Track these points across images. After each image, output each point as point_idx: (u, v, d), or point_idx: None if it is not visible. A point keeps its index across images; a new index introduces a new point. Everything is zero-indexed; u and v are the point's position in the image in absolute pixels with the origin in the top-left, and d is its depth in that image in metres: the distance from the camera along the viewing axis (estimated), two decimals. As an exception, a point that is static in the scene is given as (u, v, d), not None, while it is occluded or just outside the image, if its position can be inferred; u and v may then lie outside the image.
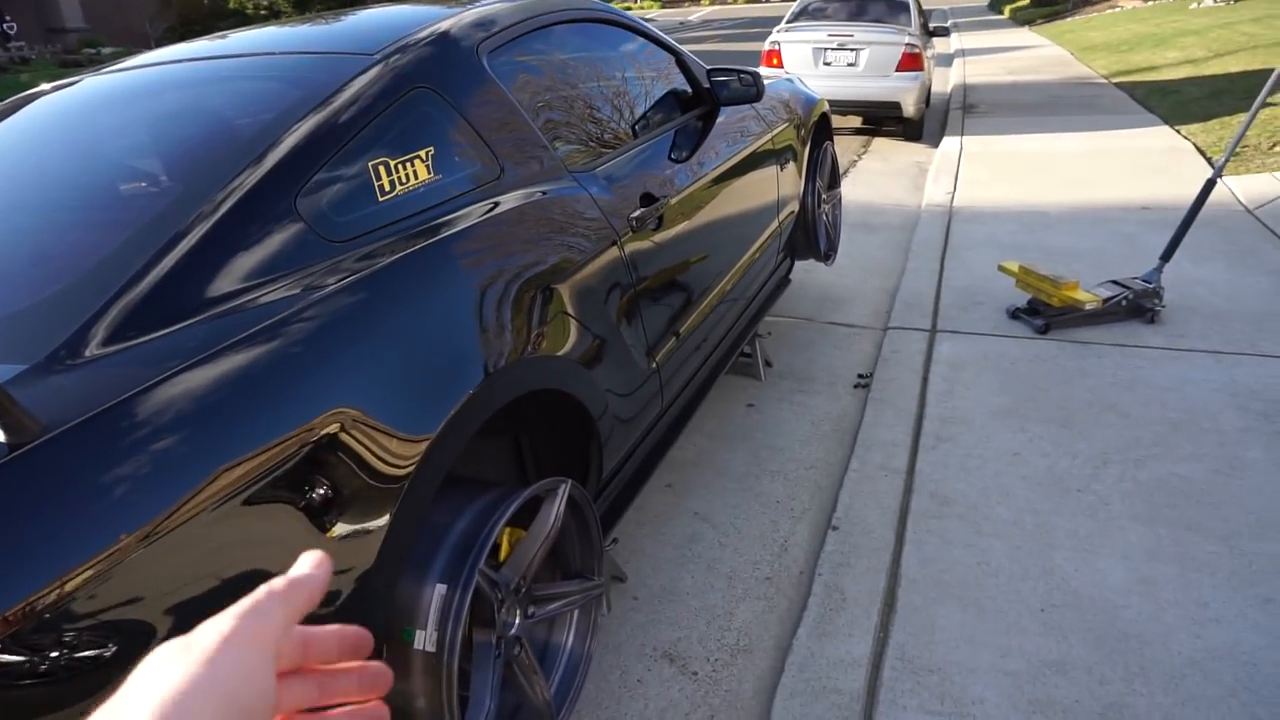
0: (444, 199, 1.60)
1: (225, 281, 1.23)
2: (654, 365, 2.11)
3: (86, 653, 0.91)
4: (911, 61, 7.72)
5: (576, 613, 1.85)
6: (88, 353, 1.06)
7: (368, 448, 1.21)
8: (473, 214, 1.60)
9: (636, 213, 2.01)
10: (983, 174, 6.55)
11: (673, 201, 2.19)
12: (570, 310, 1.72)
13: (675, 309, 2.24)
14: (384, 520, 1.23)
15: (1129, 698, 1.87)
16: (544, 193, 1.79)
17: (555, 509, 1.63)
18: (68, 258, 1.26)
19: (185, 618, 0.99)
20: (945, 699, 1.90)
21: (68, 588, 0.89)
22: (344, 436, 1.18)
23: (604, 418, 1.85)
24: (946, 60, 14.95)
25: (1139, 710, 1.84)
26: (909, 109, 7.86)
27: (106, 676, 0.93)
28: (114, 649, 0.93)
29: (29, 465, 0.91)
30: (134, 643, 0.95)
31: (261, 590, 0.45)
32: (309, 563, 0.48)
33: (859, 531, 2.49)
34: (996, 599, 2.18)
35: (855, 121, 9.17)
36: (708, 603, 2.29)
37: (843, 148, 8.12)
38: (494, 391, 1.45)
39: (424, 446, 1.29)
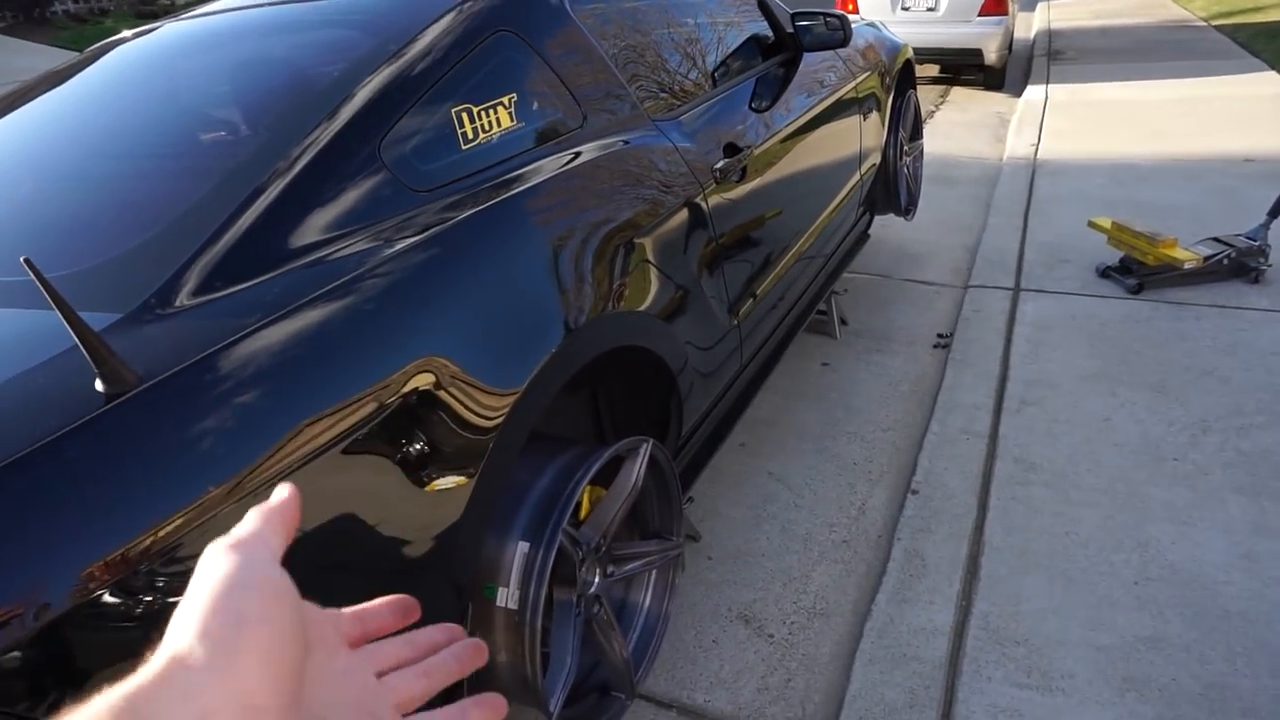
0: (527, 148, 1.56)
1: (311, 231, 1.21)
2: (735, 321, 2.05)
3: (174, 599, 0.91)
4: (996, 5, 7.34)
5: (654, 573, 1.83)
6: (178, 303, 1.05)
7: (454, 403, 1.19)
8: (556, 164, 1.55)
9: (720, 164, 1.94)
10: (1069, 125, 6.23)
11: (756, 153, 2.11)
12: (654, 264, 1.67)
13: (757, 264, 2.17)
14: (470, 477, 1.21)
15: (1231, 679, 1.78)
16: (627, 142, 1.73)
17: (637, 468, 1.59)
18: (155, 206, 1.25)
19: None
20: (1032, 672, 1.84)
21: (161, 535, 0.89)
22: (430, 391, 1.15)
23: (685, 374, 1.80)
24: (1030, 4, 14.23)
25: (1242, 692, 1.75)
26: (991, 56, 7.50)
27: None
28: None
29: (125, 415, 0.91)
30: None
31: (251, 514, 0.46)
32: (283, 492, 0.49)
33: (940, 496, 2.42)
34: (1087, 570, 2.10)
35: (932, 70, 8.81)
36: (784, 564, 2.26)
37: (919, 98, 7.82)
38: (579, 347, 1.41)
39: (510, 401, 1.26)
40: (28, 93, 1.78)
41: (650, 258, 1.66)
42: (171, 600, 0.90)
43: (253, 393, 1.00)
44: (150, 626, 0.90)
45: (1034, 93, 7.31)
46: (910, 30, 7.41)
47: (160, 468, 0.91)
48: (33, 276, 0.86)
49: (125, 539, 0.87)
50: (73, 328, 0.89)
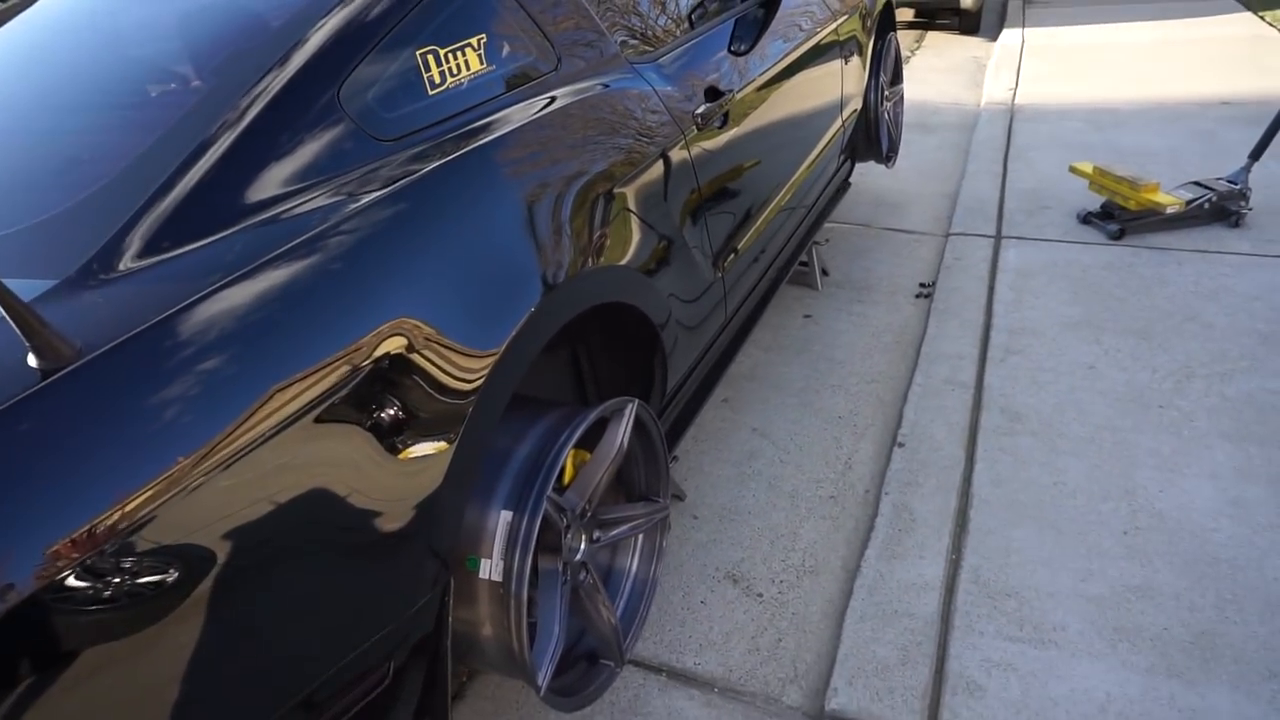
0: (498, 93, 1.45)
1: (267, 185, 1.11)
2: (719, 274, 1.98)
3: (150, 578, 0.84)
4: (971, -53, 7.19)
5: (641, 536, 1.78)
6: (121, 266, 0.96)
7: (429, 366, 1.11)
8: (530, 110, 1.46)
9: (701, 109, 1.84)
10: (1046, 69, 6.15)
11: (738, 97, 2.01)
12: (635, 215, 1.58)
13: (741, 213, 2.08)
14: (449, 443, 1.14)
15: (1221, 625, 1.77)
16: (605, 86, 1.63)
17: (622, 430, 1.53)
18: (93, 162, 1.14)
19: (249, 542, 0.91)
20: (1024, 625, 1.82)
21: (128, 511, 0.81)
22: (403, 354, 1.08)
23: (668, 330, 1.73)
24: (1003, -54, 14.01)
25: (1233, 639, 1.74)
26: (966, 0, 7.37)
27: (171, 603, 0.85)
28: (176, 574, 0.86)
29: (63, 392, 0.82)
30: (197, 568, 0.87)
31: None
32: None
33: (926, 449, 2.38)
34: (1075, 521, 2.08)
35: (907, 14, 8.65)
36: (770, 522, 2.22)
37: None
38: (560, 305, 1.33)
39: (489, 363, 1.18)
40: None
41: (632, 208, 1.57)
42: (143, 581, 0.83)
43: (211, 360, 0.92)
44: (118, 610, 0.83)
45: (1010, 37, 7.21)
46: (885, -28, 7.26)
47: (106, 449, 0.83)
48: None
49: (85, 517, 0.79)
50: (-1, 296, 0.79)
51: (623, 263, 1.52)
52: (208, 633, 0.89)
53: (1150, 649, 1.74)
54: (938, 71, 6.67)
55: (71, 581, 0.79)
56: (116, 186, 1.05)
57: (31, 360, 0.82)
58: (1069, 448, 2.33)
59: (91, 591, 0.80)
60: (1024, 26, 7.50)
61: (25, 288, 0.90)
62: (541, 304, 1.28)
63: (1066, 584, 1.91)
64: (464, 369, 1.15)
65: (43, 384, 0.81)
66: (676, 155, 1.73)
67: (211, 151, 1.08)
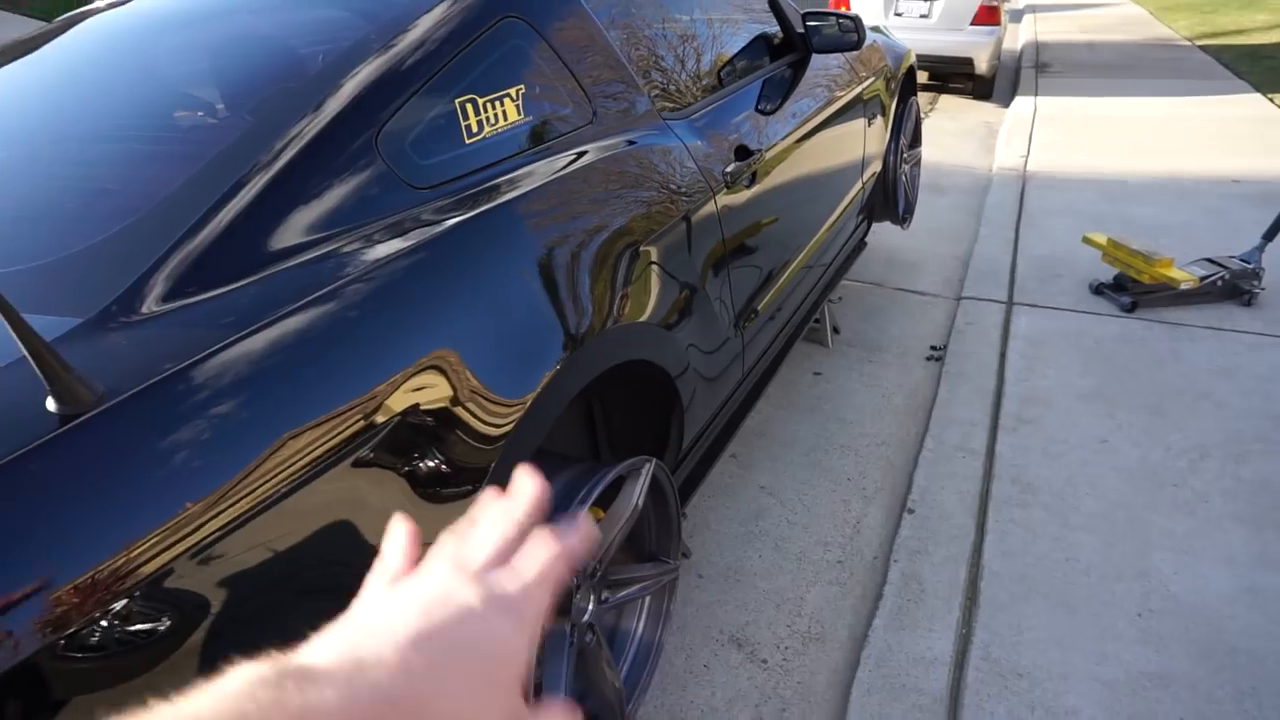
0: (534, 144, 1.45)
1: (298, 230, 1.09)
2: (739, 331, 1.96)
3: (165, 625, 0.81)
4: (988, 15, 7.32)
5: (649, 598, 1.74)
6: (146, 309, 0.94)
7: (451, 422, 1.08)
8: (564, 163, 1.45)
9: (731, 167, 1.84)
10: (1058, 137, 6.22)
11: (766, 156, 2.01)
12: (663, 271, 1.57)
13: (763, 272, 2.08)
14: (469, 498, 1.10)
15: (1241, 718, 1.72)
16: (637, 141, 1.63)
17: (638, 489, 1.50)
18: (122, 198, 1.13)
19: (264, 592, 0.88)
20: (1036, 708, 1.77)
21: (146, 559, 0.78)
22: (425, 410, 1.05)
23: (688, 386, 1.71)
24: (1016, 16, 14.31)
25: (1252, 734, 1.69)
26: (982, 66, 7.48)
27: (176, 646, 0.82)
28: (185, 619, 0.82)
29: (81, 438, 0.79)
30: (208, 616, 0.84)
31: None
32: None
33: (936, 516, 2.35)
34: (1089, 600, 2.04)
35: (922, 77, 8.77)
36: (777, 585, 2.17)
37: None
38: (588, 360, 1.31)
39: (514, 418, 1.16)
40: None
41: (659, 265, 1.56)
42: (147, 627, 0.80)
43: (231, 409, 0.89)
44: (123, 656, 0.79)
45: (1022, 104, 7.30)
46: (902, 37, 7.37)
47: (123, 498, 0.80)
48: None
49: (88, 568, 0.76)
50: (19, 336, 0.77)
51: (647, 319, 1.50)
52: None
53: (1166, 740, 1.69)
54: (951, 134, 6.75)
55: (83, 629, 0.75)
56: (146, 224, 1.03)
57: (51, 404, 0.80)
58: (1081, 523, 2.30)
59: (103, 639, 0.77)
60: (1036, 95, 7.60)
61: (48, 325, 0.88)
62: (569, 359, 1.26)
63: (1080, 666, 1.86)
64: (487, 424, 1.13)
65: (61, 430, 0.79)
66: (705, 212, 1.72)
67: (244, 193, 1.07)
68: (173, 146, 1.25)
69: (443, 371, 1.08)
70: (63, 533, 0.75)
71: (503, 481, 1.14)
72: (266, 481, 0.88)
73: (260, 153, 1.11)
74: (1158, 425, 2.71)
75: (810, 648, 1.99)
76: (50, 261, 1.01)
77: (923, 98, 8.14)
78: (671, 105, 1.86)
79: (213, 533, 0.83)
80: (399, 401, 1.01)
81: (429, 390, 1.05)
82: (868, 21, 7.36)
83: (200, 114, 1.36)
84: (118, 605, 0.77)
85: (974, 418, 2.80)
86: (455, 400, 1.08)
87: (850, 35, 2.38)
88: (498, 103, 1.38)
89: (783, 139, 2.15)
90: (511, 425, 1.15)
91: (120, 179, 1.17)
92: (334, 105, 1.19)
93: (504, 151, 1.38)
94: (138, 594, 0.78)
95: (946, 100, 8.06)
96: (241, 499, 0.86)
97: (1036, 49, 10.36)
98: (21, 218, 1.11)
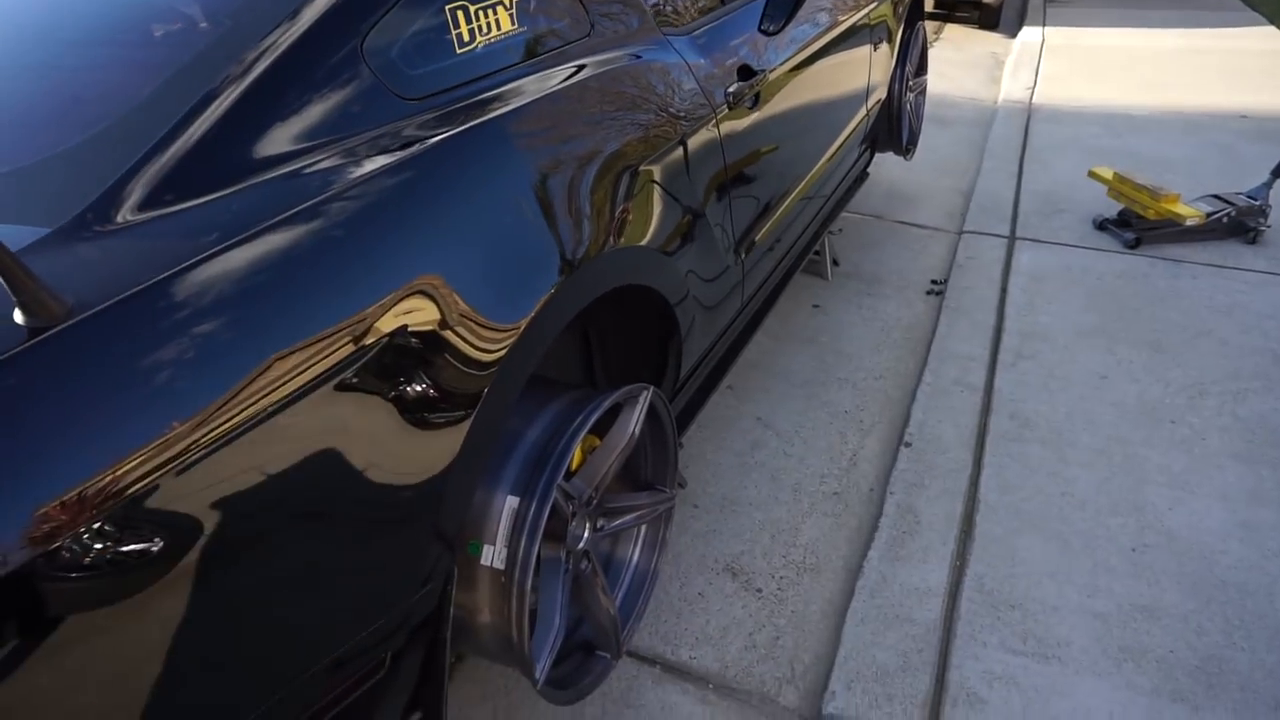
0: (528, 57, 1.37)
1: (280, 140, 1.04)
2: (739, 259, 1.91)
3: (139, 548, 0.78)
4: (998, -61, 7.07)
5: (644, 526, 1.73)
6: (119, 218, 0.89)
7: (442, 342, 1.04)
8: (560, 77, 1.38)
9: (733, 86, 1.77)
10: (1064, 69, 6.07)
11: (770, 77, 1.93)
12: (663, 193, 1.51)
13: (764, 198, 2.01)
14: (461, 423, 1.07)
15: (1229, 651, 1.74)
16: (637, 56, 1.55)
17: (635, 417, 1.47)
18: (95, 102, 1.06)
19: (245, 515, 0.85)
20: (1028, 638, 1.78)
21: (116, 479, 0.75)
22: (412, 329, 1.01)
23: (687, 314, 1.67)
24: (1025, -58, 13.84)
25: (1240, 666, 1.71)
26: (989, -8, 7.26)
27: (159, 575, 0.79)
28: (167, 546, 0.79)
29: (50, 352, 0.75)
30: (188, 539, 0.81)
31: None
32: None
33: (933, 450, 2.34)
34: (1083, 534, 2.04)
35: (927, 4, 8.53)
36: (772, 515, 2.17)
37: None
38: (586, 283, 1.27)
39: (508, 341, 1.12)
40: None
41: (657, 186, 1.50)
42: (129, 551, 0.77)
43: (209, 326, 0.85)
44: (108, 577, 0.77)
45: (1029, 34, 7.11)
46: (909, -40, 7.14)
47: (94, 413, 0.76)
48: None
49: (56, 489, 0.73)
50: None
51: (646, 243, 1.45)
52: (197, 609, 0.83)
53: (1156, 670, 1.71)
54: (955, 65, 6.58)
55: (55, 549, 0.72)
56: (118, 131, 0.97)
57: (18, 316, 0.75)
58: (1078, 458, 2.29)
59: (76, 561, 0.74)
60: (1044, 25, 7.40)
61: (14, 235, 0.83)
62: (564, 283, 1.22)
63: (1072, 599, 1.87)
64: (481, 346, 1.09)
65: (28, 343, 0.74)
66: (706, 134, 1.66)
67: (223, 99, 1.00)
68: (148, 51, 1.17)
69: (432, 293, 1.04)
70: (32, 448, 0.71)
71: (495, 407, 1.11)
72: (245, 404, 0.84)
73: (240, 57, 1.05)
74: (1158, 362, 2.69)
75: (804, 578, 1.99)
76: (16, 169, 0.95)
77: (928, 27, 7.92)
78: (672, 21, 1.77)
79: (188, 453, 0.79)
80: (386, 323, 0.97)
81: (417, 312, 1.01)
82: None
83: (179, 16, 1.28)
84: (92, 525, 0.74)
85: (973, 353, 2.78)
86: (444, 324, 1.04)
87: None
88: (490, 11, 1.31)
89: (786, 60, 2.07)
90: (504, 350, 1.11)
91: (93, 84, 1.10)
92: (316, 9, 1.12)
93: (496, 64, 1.31)
94: (111, 514, 0.75)
95: (952, 30, 7.85)
96: (219, 421, 0.82)
97: (1046, -23, 10.04)
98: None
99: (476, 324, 1.08)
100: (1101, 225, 3.59)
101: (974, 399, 2.56)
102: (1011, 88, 5.71)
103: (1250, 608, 1.84)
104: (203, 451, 0.81)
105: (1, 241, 0.74)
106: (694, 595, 1.94)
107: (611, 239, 1.34)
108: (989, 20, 7.69)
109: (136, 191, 0.91)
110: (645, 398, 1.49)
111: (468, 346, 1.07)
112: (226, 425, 0.83)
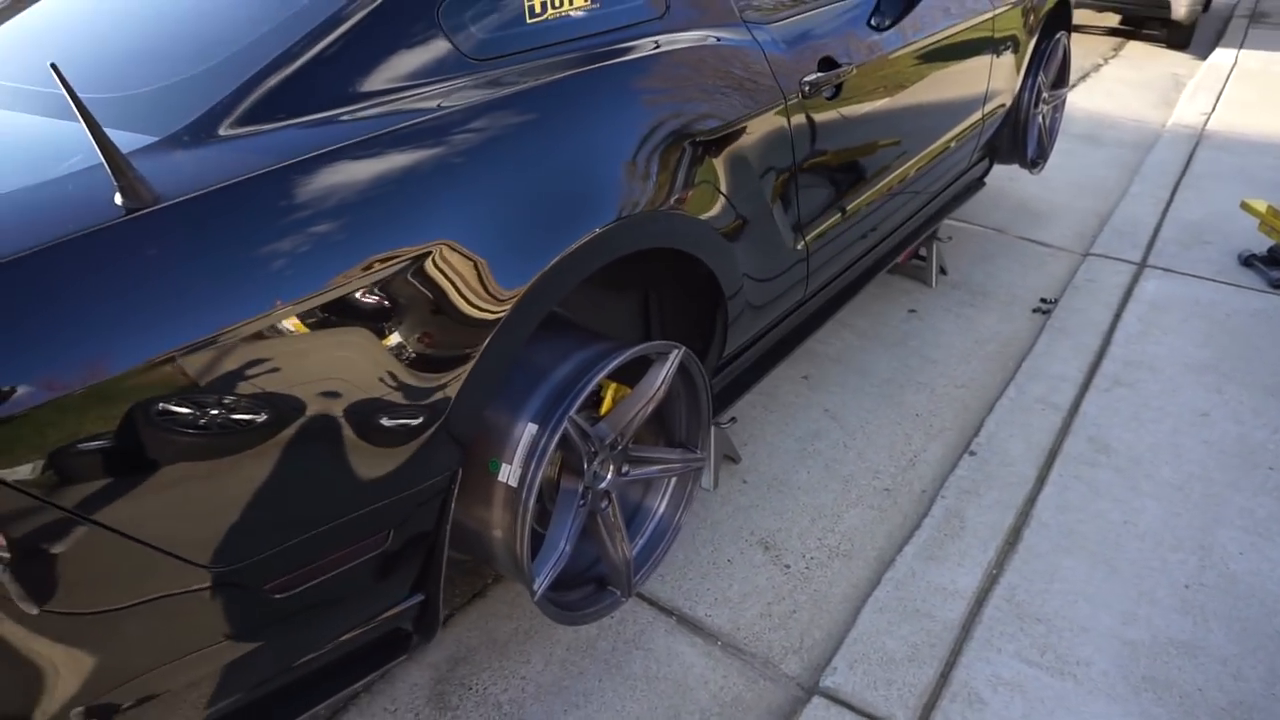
0: (598, 30, 1.51)
1: (356, 83, 1.21)
2: (802, 247, 1.98)
3: (202, 409, 0.98)
4: (1196, -48, 6.59)
5: (674, 481, 1.84)
6: (210, 135, 1.09)
7: (468, 276, 1.19)
8: (623, 50, 1.50)
9: (811, 76, 1.83)
10: (1254, 95, 5.62)
11: (856, 71, 1.98)
12: (711, 169, 1.61)
13: (836, 190, 2.06)
14: (476, 346, 1.22)
15: (1266, 701, 1.66)
16: (709, 38, 1.65)
17: (664, 372, 1.58)
18: (209, 44, 1.26)
19: (288, 389, 1.04)
20: (1047, 651, 1.77)
21: (190, 346, 0.95)
22: (446, 259, 1.16)
23: (735, 293, 1.75)
24: (1245, -41, 12.73)
25: (1274, 716, 1.63)
26: (1181, 10, 6.77)
27: (220, 434, 1.00)
28: (229, 408, 0.99)
29: (137, 229, 0.95)
30: (244, 405, 1.01)
31: None
32: None
33: (997, 461, 2.31)
34: (1135, 563, 1.98)
35: (1112, 20, 8.06)
36: (817, 500, 2.22)
37: (1088, 48, 7.19)
38: (608, 243, 1.39)
39: (527, 283, 1.26)
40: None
41: (707, 161, 1.60)
42: (192, 409, 0.97)
43: (269, 231, 1.03)
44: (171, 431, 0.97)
45: (1222, 56, 6.60)
46: (1092, -27, 6.78)
47: (169, 285, 0.96)
48: (60, 87, 0.90)
49: (131, 346, 0.92)
50: (96, 140, 0.93)
51: (687, 211, 1.55)
52: (245, 463, 1.03)
53: (1177, 705, 1.66)
54: (1127, 84, 6.21)
55: (144, 396, 0.93)
56: (223, 68, 1.18)
57: (118, 199, 0.96)
58: (1152, 490, 2.21)
59: (147, 412, 0.94)
60: (1241, 47, 6.84)
61: (127, 139, 1.05)
62: (589, 239, 1.34)
63: (1105, 623, 1.83)
64: (502, 281, 1.23)
65: (124, 218, 0.95)
66: (772, 120, 1.73)
67: (307, 50, 1.19)
68: (254, 7, 1.36)
69: (468, 227, 1.19)
70: (125, 302, 0.92)
71: (510, 338, 1.25)
72: (292, 300, 1.02)
73: (331, 13, 1.23)
74: (1271, 407, 2.53)
75: (835, 562, 2.04)
76: (141, 92, 1.17)
77: (1107, 42, 7.49)
78: (761, 11, 1.86)
79: (242, 334, 0.98)
80: (419, 253, 1.13)
81: (451, 246, 1.17)
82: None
83: None
84: (165, 381, 0.94)
85: (1066, 373, 2.70)
86: (473, 255, 1.19)
87: (975, -48, 2.26)
88: (565, -10, 1.45)
89: (881, 56, 2.10)
90: (525, 287, 1.25)
91: (211, 29, 1.31)
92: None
93: (565, 35, 1.45)
94: (181, 378, 0.95)
95: (1134, 47, 7.38)
96: (262, 316, 1.00)
97: (1258, -3, 9.24)
98: (129, 57, 1.28)
99: (497, 264, 1.22)
100: (1248, 261, 3.36)
101: (1054, 418, 2.49)
102: (1185, 111, 5.35)
103: (1302, 662, 1.74)
104: (252, 334, 0.99)
105: (112, 141, 0.95)
106: (723, 561, 2.03)
107: (645, 201, 1.45)
108: (1179, 39, 7.18)
109: (227, 116, 1.11)
110: (675, 356, 1.59)
111: (493, 277, 1.22)
112: (273, 317, 1.01)
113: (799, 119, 1.82)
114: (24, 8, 1.60)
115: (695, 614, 1.89)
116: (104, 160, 0.94)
